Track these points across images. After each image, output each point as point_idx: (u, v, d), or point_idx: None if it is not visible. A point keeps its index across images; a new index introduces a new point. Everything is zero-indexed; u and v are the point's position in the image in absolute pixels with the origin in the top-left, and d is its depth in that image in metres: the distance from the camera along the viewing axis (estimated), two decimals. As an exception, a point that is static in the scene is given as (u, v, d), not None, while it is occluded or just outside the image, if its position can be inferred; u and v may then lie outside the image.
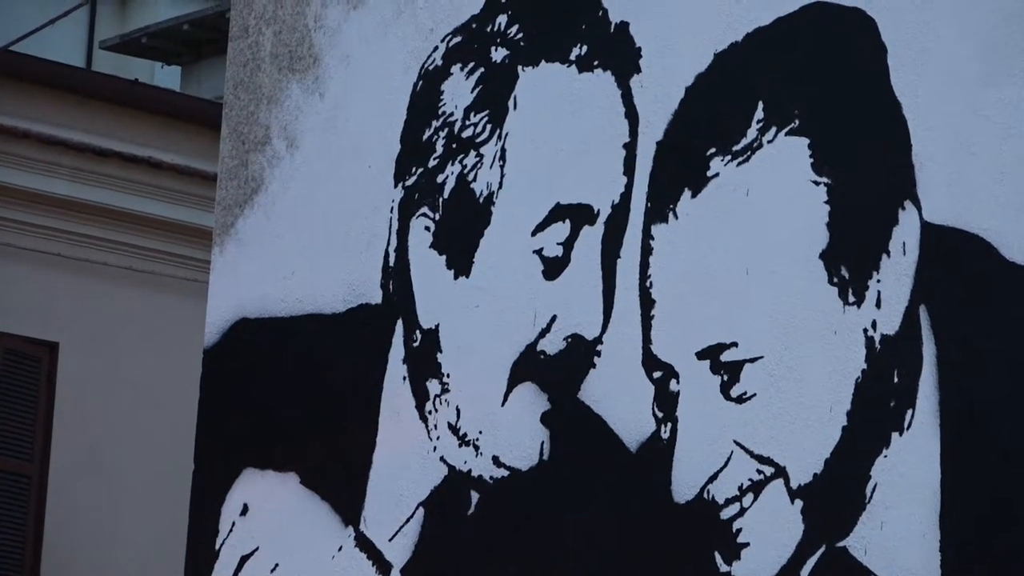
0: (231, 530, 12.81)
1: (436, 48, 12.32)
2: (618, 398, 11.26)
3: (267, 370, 13.00)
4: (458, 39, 12.19)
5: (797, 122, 10.80)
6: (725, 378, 10.84)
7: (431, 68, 12.30)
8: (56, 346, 21.19)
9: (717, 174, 11.01)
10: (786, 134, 10.82)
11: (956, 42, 10.32)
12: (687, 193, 11.10)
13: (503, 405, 11.64)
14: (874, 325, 10.40)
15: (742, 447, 10.73)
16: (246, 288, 13.09)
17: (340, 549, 12.22)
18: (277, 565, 12.53)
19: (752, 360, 10.79)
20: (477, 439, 11.73)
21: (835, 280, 10.53)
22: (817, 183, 10.67)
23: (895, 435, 10.21)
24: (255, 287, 13.03)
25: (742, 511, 10.69)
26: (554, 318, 11.51)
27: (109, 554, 22.15)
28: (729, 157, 10.98)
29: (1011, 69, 10.08)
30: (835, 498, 10.40)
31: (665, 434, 11.02)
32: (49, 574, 22.84)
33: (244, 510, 12.79)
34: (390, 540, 12.00)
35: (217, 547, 12.90)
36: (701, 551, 10.77)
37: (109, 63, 25.13)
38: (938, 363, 10.16)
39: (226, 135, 13.37)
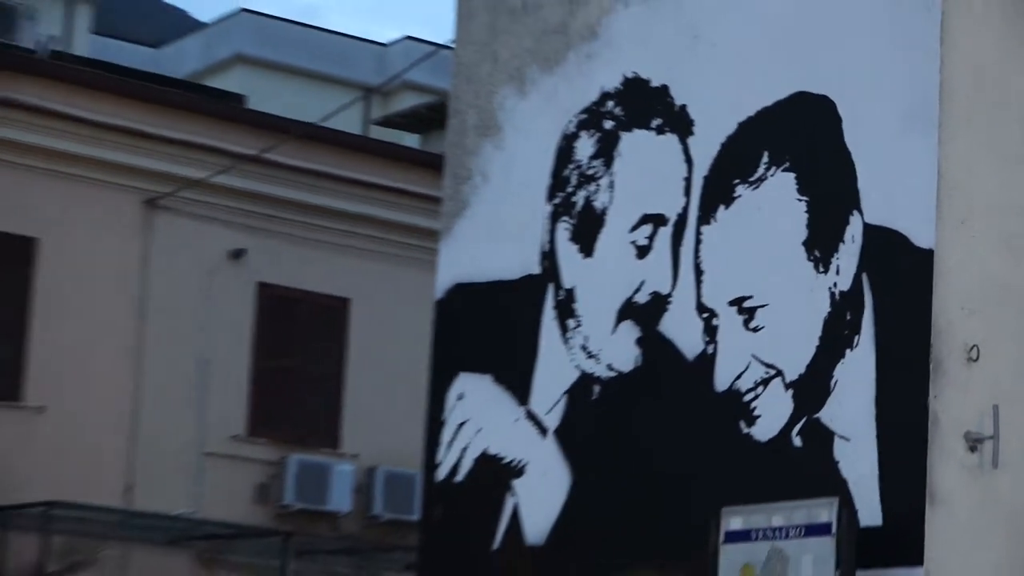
0: (452, 408, 13.15)
1: (570, 121, 12.61)
2: (681, 329, 11.59)
3: (472, 313, 13.29)
4: (584, 115, 12.52)
5: (788, 163, 11.12)
6: (745, 317, 11.21)
7: (568, 132, 12.62)
8: (348, 301, 21.71)
9: (740, 195, 11.39)
10: (782, 171, 11.15)
11: (883, 111, 10.54)
12: (722, 207, 11.48)
13: (612, 333, 12.04)
14: (835, 285, 10.72)
15: (756, 358, 11.07)
16: (459, 265, 13.40)
17: (517, 420, 12.61)
18: (481, 429, 12.87)
19: (762, 306, 11.12)
20: (598, 354, 12.12)
21: (811, 258, 10.87)
22: (800, 200, 11.02)
23: (848, 350, 10.57)
24: (464, 264, 13.34)
25: (756, 396, 11.06)
26: (643, 282, 11.87)
27: (389, 424, 20.74)
28: (747, 185, 11.35)
29: (921, 124, 10.23)
30: (812, 388, 10.72)
31: (710, 351, 11.37)
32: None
33: (460, 396, 13.14)
34: (547, 413, 12.37)
35: (442, 419, 13.24)
36: (732, 420, 11.12)
37: (375, 132, 24.68)
38: (873, 307, 10.49)
39: (447, 174, 13.71)
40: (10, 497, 18.19)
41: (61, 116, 19.66)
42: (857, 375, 10.52)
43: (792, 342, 10.91)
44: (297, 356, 21.20)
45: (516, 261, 12.84)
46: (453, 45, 13.94)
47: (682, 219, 11.72)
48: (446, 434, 13.16)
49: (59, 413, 19.41)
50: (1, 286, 19.54)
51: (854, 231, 10.69)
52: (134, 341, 20.08)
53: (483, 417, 12.92)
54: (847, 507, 9.97)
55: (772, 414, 10.95)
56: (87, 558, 18.03)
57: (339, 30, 32.08)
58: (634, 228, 12.00)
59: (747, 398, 11.13)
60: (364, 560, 20.48)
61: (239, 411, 20.62)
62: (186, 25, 39.41)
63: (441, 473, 13.17)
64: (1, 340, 19.52)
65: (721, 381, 11.29)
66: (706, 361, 11.41)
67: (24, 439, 19.15)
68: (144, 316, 20.15)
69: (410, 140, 25.02)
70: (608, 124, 12.36)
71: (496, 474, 12.72)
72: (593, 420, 12.16)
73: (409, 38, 29.78)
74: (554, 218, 12.62)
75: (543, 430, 12.43)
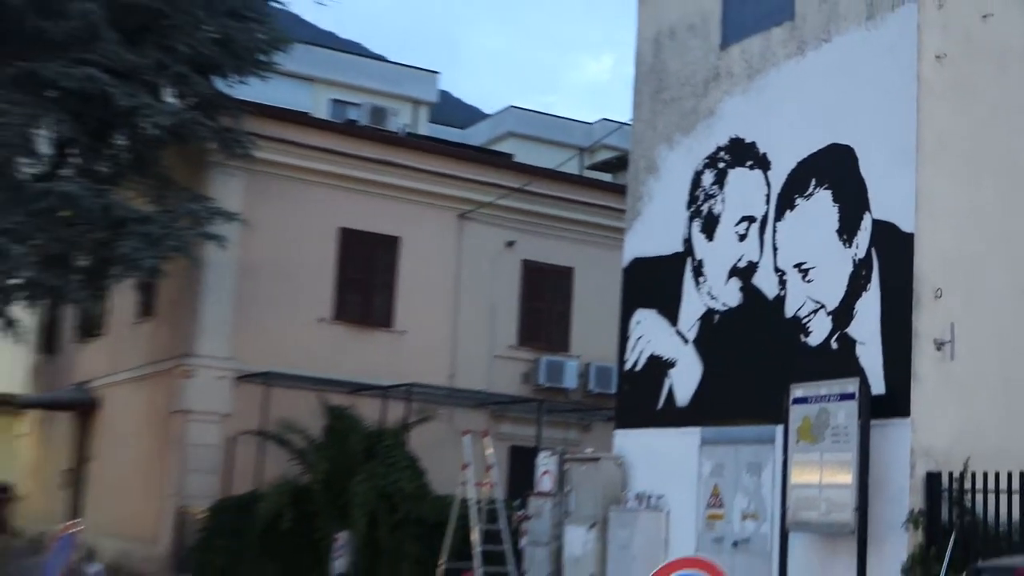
0: (634, 329, 13.15)
1: (699, 163, 12.56)
2: (765, 281, 11.54)
3: (644, 274, 13.09)
4: (707, 160, 12.45)
5: (827, 184, 10.98)
6: (804, 274, 11.11)
7: (697, 170, 12.58)
8: (573, 269, 20.91)
9: (799, 204, 11.28)
10: (823, 189, 11.03)
11: (882, 154, 10.39)
12: (788, 211, 11.38)
13: (725, 284, 11.99)
14: (856, 254, 10.57)
15: (810, 298, 10.98)
16: (636, 247, 13.35)
17: (671, 335, 12.58)
18: (650, 340, 12.84)
19: (812, 268, 11.00)
20: (717, 297, 12.08)
21: (841, 239, 10.73)
22: (834, 205, 10.89)
23: (864, 292, 10.43)
24: (639, 247, 13.29)
25: (809, 320, 10.95)
26: (742, 255, 11.81)
27: (598, 338, 19.79)
28: (803, 198, 11.22)
29: (905, 161, 10.09)
30: (843, 315, 10.61)
31: (782, 294, 11.30)
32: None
33: (638, 322, 13.07)
34: (688, 331, 12.38)
35: (627, 333, 13.19)
36: (795, 334, 11.03)
37: (587, 173, 24.29)
38: (879, 267, 10.33)
39: (628, 195, 13.72)
40: (389, 381, 18.44)
41: (412, 168, 20.00)
42: (869, 306, 10.41)
43: (830, 288, 10.81)
44: (545, 300, 21.18)
45: (668, 244, 12.82)
46: (631, 122, 13.94)
47: (765, 218, 11.66)
48: (630, 343, 13.20)
49: (414, 334, 19.70)
50: (381, 264, 19.77)
51: (866, 223, 10.55)
52: (453, 294, 20.29)
53: (651, 334, 12.90)
54: (864, 383, 9.94)
55: (819, 330, 10.87)
56: (430, 415, 18.25)
57: (565, 115, 31.97)
58: (737, 224, 11.96)
59: (804, 321, 11.04)
60: (584, 416, 20.56)
61: (512, 332, 20.71)
62: (479, 115, 39.78)
63: (627, 365, 13.23)
64: (381, 293, 19.77)
65: (788, 311, 11.24)
66: (779, 300, 11.37)
67: (395, 349, 19.50)
68: (459, 280, 20.40)
69: (606, 177, 24.87)
70: (721, 164, 12.33)
71: (659, 366, 12.76)
72: (714, 335, 12.14)
73: (605, 119, 29.64)
74: (690, 219, 12.60)
75: (686, 341, 12.44)
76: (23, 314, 20.76)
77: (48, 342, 25.60)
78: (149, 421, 19.36)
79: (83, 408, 22.29)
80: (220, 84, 17.73)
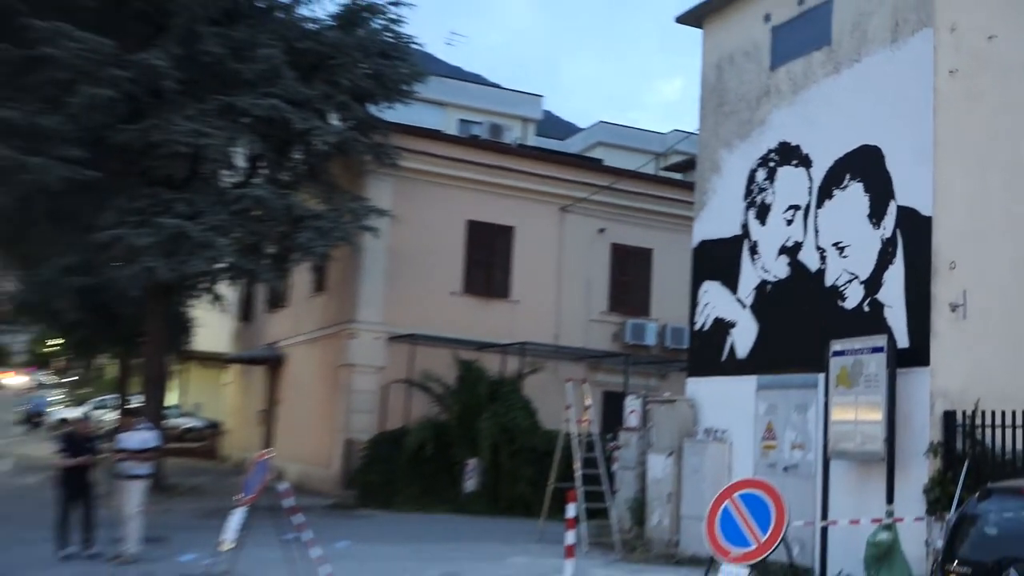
0: (702, 296, 12.97)
1: (754, 163, 12.39)
2: (808, 257, 11.38)
3: (710, 253, 12.81)
4: (760, 160, 12.29)
5: (859, 178, 10.82)
6: (840, 251, 10.95)
7: (752, 168, 12.41)
8: (652, 250, 20.53)
9: (836, 194, 11.12)
10: (856, 182, 10.86)
11: (905, 153, 10.18)
12: (827, 200, 11.22)
13: (775, 260, 11.84)
14: (884, 234, 10.40)
15: (846, 270, 10.82)
16: (703, 232, 13.16)
17: (732, 301, 12.45)
18: (715, 306, 12.70)
19: (848, 246, 10.84)
20: (770, 270, 11.95)
21: (872, 222, 10.57)
22: (865, 195, 10.72)
23: (890, 265, 10.30)
24: (706, 231, 13.10)
25: (846, 288, 10.79)
26: (789, 236, 11.66)
27: (673, 304, 19.76)
28: (840, 189, 11.06)
29: (924, 158, 9.90)
30: (873, 283, 10.47)
31: (823, 268, 11.14)
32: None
33: (705, 291, 12.91)
34: (746, 297, 12.25)
35: (696, 300, 12.96)
36: (834, 300, 10.89)
37: (662, 173, 24.06)
38: (903, 244, 10.17)
39: (696, 190, 13.52)
40: (506, 340, 18.70)
41: (523, 172, 20.15)
42: (895, 277, 10.27)
43: (863, 262, 10.67)
44: (630, 275, 21.11)
45: (729, 228, 12.70)
46: (698, 131, 13.82)
47: (808, 206, 11.51)
48: (699, 308, 13.10)
49: (527, 303, 19.90)
50: (499, 250, 19.92)
51: (892, 209, 10.39)
52: (556, 271, 20.40)
53: (716, 300, 12.81)
54: (891, 339, 9.85)
55: (853, 296, 10.74)
56: (539, 367, 18.41)
57: (645, 127, 31.78)
58: (785, 211, 11.84)
59: (841, 289, 10.91)
60: (662, 367, 20.48)
61: (604, 300, 20.75)
62: (575, 129, 39.78)
63: (697, 326, 13.12)
64: (500, 271, 19.95)
65: (828, 281, 11.10)
66: (820, 273, 11.23)
67: (511, 315, 19.70)
68: (561, 260, 20.50)
69: (678, 176, 24.69)
70: (771, 164, 12.20)
71: (722, 327, 12.66)
72: (768, 301, 12.03)
73: (677, 130, 29.40)
74: (747, 208, 12.49)
75: (744, 306, 12.34)
76: (227, 291, 22.19)
77: (245, 312, 26.59)
78: (322, 373, 20.16)
79: (272, 363, 23.34)
80: (373, 109, 18.13)
